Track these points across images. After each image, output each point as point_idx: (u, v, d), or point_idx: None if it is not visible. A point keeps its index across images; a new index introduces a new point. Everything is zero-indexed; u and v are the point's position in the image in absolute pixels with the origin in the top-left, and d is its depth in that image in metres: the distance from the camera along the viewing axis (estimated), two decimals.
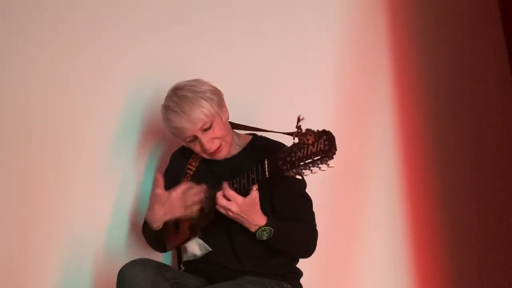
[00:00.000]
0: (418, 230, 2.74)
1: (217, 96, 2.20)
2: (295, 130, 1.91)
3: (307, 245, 2.18)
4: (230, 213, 2.05)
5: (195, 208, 2.18)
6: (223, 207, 2.05)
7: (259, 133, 2.34)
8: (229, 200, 2.04)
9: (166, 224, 2.23)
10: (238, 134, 2.33)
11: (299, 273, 2.28)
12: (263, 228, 2.07)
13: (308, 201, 2.24)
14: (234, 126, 2.31)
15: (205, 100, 2.15)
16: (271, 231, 2.07)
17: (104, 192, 2.59)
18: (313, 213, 2.22)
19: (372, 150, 2.75)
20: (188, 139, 2.19)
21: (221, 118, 2.20)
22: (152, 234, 2.26)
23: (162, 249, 2.34)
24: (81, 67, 2.64)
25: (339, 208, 2.69)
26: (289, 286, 2.20)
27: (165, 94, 2.24)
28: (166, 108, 2.19)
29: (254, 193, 2.04)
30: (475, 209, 2.78)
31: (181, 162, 2.36)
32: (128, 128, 2.64)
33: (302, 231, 2.17)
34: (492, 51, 2.91)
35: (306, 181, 2.23)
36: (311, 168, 1.88)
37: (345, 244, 2.69)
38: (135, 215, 2.55)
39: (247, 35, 2.75)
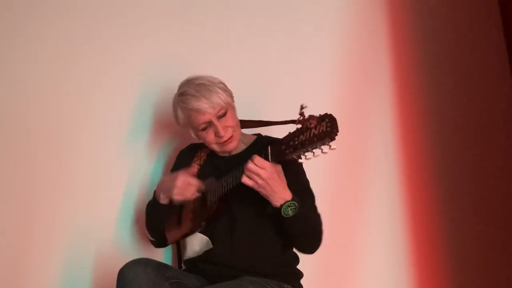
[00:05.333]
0: (418, 230, 2.74)
1: (228, 90, 2.26)
2: (298, 117, 1.91)
3: (318, 235, 2.16)
4: (259, 180, 2.00)
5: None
6: (254, 172, 1.99)
7: (263, 132, 2.37)
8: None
9: (169, 213, 2.23)
10: (243, 134, 2.35)
11: (299, 274, 2.27)
12: (289, 203, 2.02)
13: (313, 196, 2.23)
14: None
15: (220, 89, 2.21)
16: (296, 207, 2.02)
17: (109, 190, 2.59)
18: (316, 208, 2.21)
19: (372, 149, 2.76)
20: (202, 126, 2.20)
21: (233, 110, 2.25)
22: (156, 215, 2.27)
23: (163, 239, 2.32)
24: (90, 63, 2.64)
25: (339, 209, 2.68)
26: (289, 287, 2.19)
27: (175, 91, 2.27)
28: (184, 93, 2.22)
29: (278, 165, 2.02)
30: (475, 209, 2.79)
31: (187, 159, 2.37)
32: (137, 126, 2.65)
33: (315, 219, 2.16)
34: (492, 51, 2.91)
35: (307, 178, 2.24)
36: (313, 150, 1.88)
37: (346, 245, 2.69)
38: (139, 214, 2.55)
39: (250, 35, 2.77)
